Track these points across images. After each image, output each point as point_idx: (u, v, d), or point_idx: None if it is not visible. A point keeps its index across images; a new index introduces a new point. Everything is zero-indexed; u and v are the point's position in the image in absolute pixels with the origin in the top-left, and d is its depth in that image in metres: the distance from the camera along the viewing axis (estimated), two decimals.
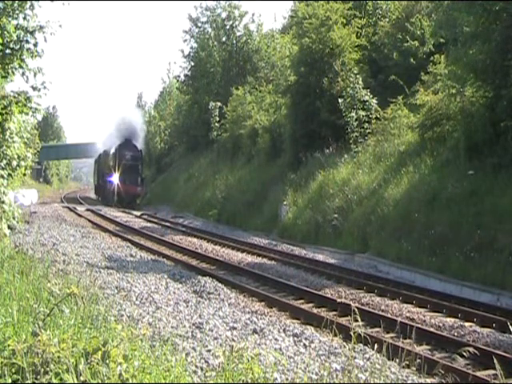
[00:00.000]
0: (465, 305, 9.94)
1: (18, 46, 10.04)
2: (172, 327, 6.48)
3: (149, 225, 24.77)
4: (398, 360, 5.71)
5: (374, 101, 21.07)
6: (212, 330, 6.63)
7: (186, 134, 42.09)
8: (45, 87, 10.06)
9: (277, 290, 11.41)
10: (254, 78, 35.42)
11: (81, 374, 3.43)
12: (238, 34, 40.33)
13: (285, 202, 21.37)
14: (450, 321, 8.98)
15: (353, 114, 20.73)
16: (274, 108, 29.19)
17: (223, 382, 4.11)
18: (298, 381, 4.84)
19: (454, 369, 6.35)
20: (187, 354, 5.29)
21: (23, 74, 10.12)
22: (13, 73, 10.18)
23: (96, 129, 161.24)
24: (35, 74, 10.05)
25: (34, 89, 10.10)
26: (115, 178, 36.42)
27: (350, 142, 20.76)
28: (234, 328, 6.96)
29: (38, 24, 10.21)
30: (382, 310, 9.69)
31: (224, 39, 40.32)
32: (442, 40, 19.25)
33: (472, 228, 12.47)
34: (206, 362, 5.25)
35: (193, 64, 41.50)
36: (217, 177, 30.92)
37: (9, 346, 3.70)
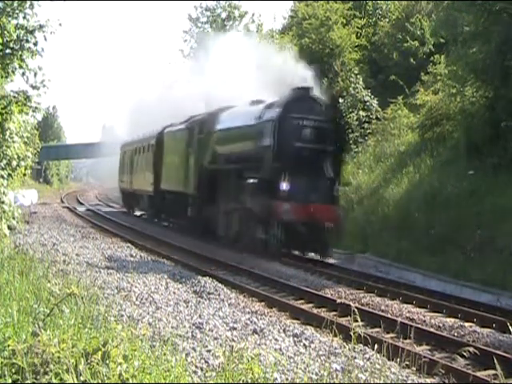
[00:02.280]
0: (465, 305, 9.93)
1: (18, 46, 10.01)
2: (172, 327, 6.47)
3: (149, 225, 24.74)
4: (398, 360, 5.71)
5: (375, 101, 21.08)
6: (212, 330, 6.62)
7: None
8: (44, 85, 10.04)
9: (277, 290, 11.39)
10: None
11: (81, 374, 3.43)
12: None
13: None
14: (449, 321, 8.96)
15: (353, 115, 20.74)
16: None
17: (223, 382, 4.10)
18: (298, 381, 4.83)
19: (454, 369, 6.35)
20: (187, 354, 5.28)
21: (23, 73, 10.11)
22: (13, 73, 10.16)
23: (96, 127, 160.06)
24: (35, 74, 10.03)
25: (34, 87, 10.08)
26: (284, 187, 14.10)
27: (350, 142, 20.76)
28: (234, 328, 6.95)
29: (37, 23, 10.20)
30: (382, 310, 9.68)
31: None
32: (442, 40, 19.28)
33: (472, 228, 12.47)
34: (206, 362, 5.24)
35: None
36: None
37: (9, 346, 3.71)
